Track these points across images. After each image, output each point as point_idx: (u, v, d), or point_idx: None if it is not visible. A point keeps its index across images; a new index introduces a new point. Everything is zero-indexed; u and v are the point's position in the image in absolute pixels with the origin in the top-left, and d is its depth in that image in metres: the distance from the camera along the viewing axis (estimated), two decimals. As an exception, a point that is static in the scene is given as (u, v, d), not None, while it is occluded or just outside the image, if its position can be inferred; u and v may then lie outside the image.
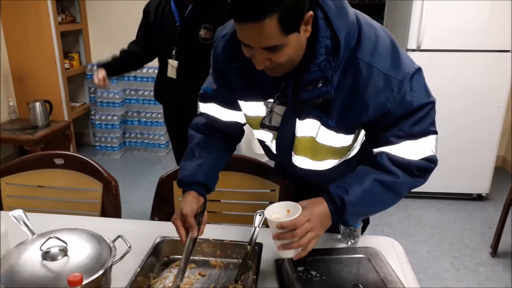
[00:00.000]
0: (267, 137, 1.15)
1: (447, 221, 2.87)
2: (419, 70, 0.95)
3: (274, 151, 1.17)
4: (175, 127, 2.31)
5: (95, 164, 1.46)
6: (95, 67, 2.24)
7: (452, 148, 2.99)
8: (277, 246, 0.94)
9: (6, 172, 1.48)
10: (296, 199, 1.00)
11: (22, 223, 1.04)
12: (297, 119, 1.01)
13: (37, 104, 3.29)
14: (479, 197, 3.14)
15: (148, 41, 2.15)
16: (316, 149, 1.06)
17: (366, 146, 1.09)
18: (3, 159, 3.52)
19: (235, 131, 1.21)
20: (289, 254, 0.94)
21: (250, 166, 1.50)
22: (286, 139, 1.07)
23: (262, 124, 1.07)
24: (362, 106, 0.93)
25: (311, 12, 0.84)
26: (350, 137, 1.03)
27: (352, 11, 0.92)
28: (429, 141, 0.98)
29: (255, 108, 1.08)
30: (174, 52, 2.05)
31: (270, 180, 1.46)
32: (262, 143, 1.23)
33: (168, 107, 2.32)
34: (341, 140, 1.02)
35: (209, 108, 1.18)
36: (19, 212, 1.06)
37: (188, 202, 1.05)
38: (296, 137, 1.05)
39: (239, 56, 0.93)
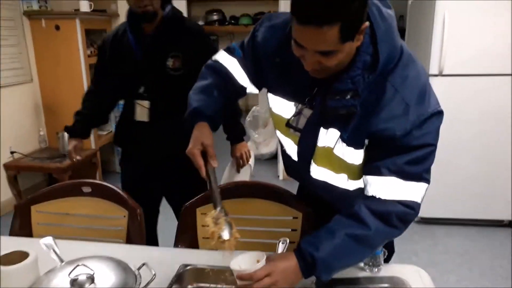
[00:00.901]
0: (289, 142, 1.16)
1: (477, 248, 2.76)
2: (440, 113, 0.95)
3: (295, 158, 1.16)
4: (141, 182, 1.88)
5: (120, 192, 1.50)
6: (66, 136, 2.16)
7: (479, 173, 2.91)
8: None
9: (37, 200, 1.54)
10: (318, 227, 1.00)
11: (51, 250, 1.08)
12: (321, 127, 1.02)
13: (65, 133, 3.41)
14: (510, 224, 3.02)
15: (108, 83, 1.84)
16: (332, 161, 1.05)
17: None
18: (33, 187, 3.64)
19: (240, 94, 1.22)
20: None
21: (272, 193, 1.50)
22: (308, 146, 1.08)
23: (288, 123, 1.08)
24: (372, 123, 0.94)
25: (367, 23, 0.86)
26: (360, 154, 1.01)
27: (399, 39, 0.94)
28: (418, 187, 0.97)
29: (281, 105, 1.10)
30: (141, 90, 1.74)
31: (292, 207, 1.46)
32: (283, 152, 1.24)
33: (136, 157, 1.89)
34: (352, 155, 1.01)
35: (230, 62, 1.18)
36: (49, 240, 1.09)
37: (207, 134, 1.05)
38: (317, 146, 1.05)
39: (281, 52, 0.95)
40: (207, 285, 1.13)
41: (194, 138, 1.04)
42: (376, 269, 1.13)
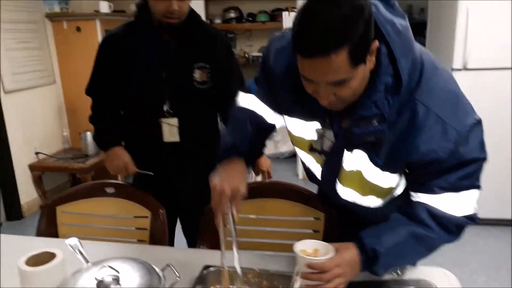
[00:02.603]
0: (311, 161, 1.14)
1: (507, 248, 2.68)
2: (479, 122, 0.90)
3: (318, 177, 1.16)
4: (173, 204, 1.66)
5: (143, 193, 1.51)
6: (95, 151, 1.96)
7: (507, 171, 2.82)
8: (303, 285, 0.92)
9: (62, 200, 1.57)
10: (341, 229, 0.99)
11: (77, 251, 1.09)
12: (345, 149, 1.00)
13: (88, 133, 3.48)
14: (540, 223, 2.93)
15: (115, 94, 1.60)
16: (362, 184, 1.03)
17: (407, 187, 1.05)
18: (57, 187, 3.73)
19: (270, 129, 1.22)
20: None
21: (293, 193, 1.49)
22: (332, 168, 1.06)
23: (312, 148, 1.06)
24: (412, 148, 0.90)
25: (377, 42, 0.82)
26: (396, 178, 0.99)
27: (417, 47, 0.90)
28: (471, 195, 0.94)
29: (300, 127, 1.07)
30: (167, 107, 1.53)
31: (314, 207, 1.45)
32: (303, 164, 1.22)
33: (161, 178, 1.64)
34: (387, 179, 0.99)
35: (251, 100, 1.18)
36: (74, 241, 1.11)
37: (241, 173, 1.03)
38: (343, 169, 1.03)
39: (292, 74, 0.93)
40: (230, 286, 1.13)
41: (225, 179, 1.00)
42: (401, 271, 1.10)
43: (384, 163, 0.95)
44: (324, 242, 0.96)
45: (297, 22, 0.80)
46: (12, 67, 3.18)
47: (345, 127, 0.96)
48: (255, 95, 1.18)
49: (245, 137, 1.12)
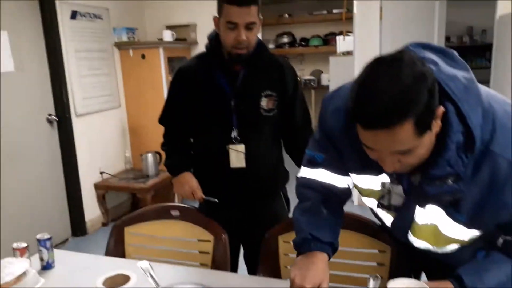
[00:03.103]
0: (380, 211, 1.10)
1: None
2: None
3: (387, 224, 1.11)
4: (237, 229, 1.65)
5: (207, 217, 1.55)
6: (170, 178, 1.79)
7: None
8: None
9: (130, 222, 1.64)
10: (409, 264, 0.95)
11: (148, 274, 1.13)
12: (416, 205, 0.96)
13: (149, 155, 3.64)
14: None
15: (187, 123, 1.66)
16: (439, 238, 0.99)
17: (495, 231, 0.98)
18: (118, 205, 3.91)
19: (346, 196, 1.18)
20: None
21: (357, 223, 1.45)
22: (403, 221, 1.02)
23: (380, 204, 1.03)
24: (501, 205, 0.85)
25: (442, 108, 0.80)
26: (479, 232, 0.95)
27: (484, 96, 0.86)
28: None
29: (367, 181, 1.04)
30: (234, 134, 1.57)
31: (380, 239, 1.40)
32: (372, 210, 1.18)
33: (226, 204, 1.64)
34: (471, 233, 0.94)
35: (318, 174, 1.14)
36: (146, 264, 1.15)
37: (323, 270, 1.01)
38: (415, 223, 0.99)
39: (350, 133, 0.90)
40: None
41: (305, 276, 0.99)
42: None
43: (469, 221, 0.91)
44: (418, 281, 0.93)
45: (356, 93, 0.78)
46: (84, 92, 3.43)
47: (416, 184, 0.93)
48: (321, 167, 1.12)
49: (323, 224, 1.09)
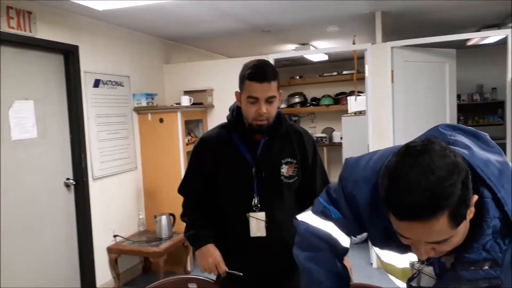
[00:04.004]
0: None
1: None
2: None
3: None
4: None
5: (226, 291, 1.49)
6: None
7: None
8: None
9: (146, 295, 1.58)
10: None
11: None
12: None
13: (163, 217, 3.61)
14: None
15: (212, 196, 1.66)
16: None
17: None
18: (130, 269, 3.81)
19: (343, 254, 1.15)
20: None
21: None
22: None
23: (410, 286, 0.98)
24: None
25: (476, 197, 0.79)
26: None
27: None
28: None
29: (391, 257, 1.01)
30: (255, 201, 1.59)
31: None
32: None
33: (251, 278, 1.61)
34: None
35: (328, 227, 1.12)
36: None
37: None
38: None
39: (375, 209, 0.89)
40: None
41: None
42: None
43: None
44: None
45: (389, 184, 0.78)
46: (102, 156, 3.50)
47: (448, 267, 0.89)
48: (333, 222, 1.11)
49: (339, 278, 1.08)
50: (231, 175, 1.62)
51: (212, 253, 1.61)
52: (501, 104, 6.42)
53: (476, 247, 0.81)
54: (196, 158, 1.70)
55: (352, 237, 1.15)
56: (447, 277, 0.90)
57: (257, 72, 1.51)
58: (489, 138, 0.88)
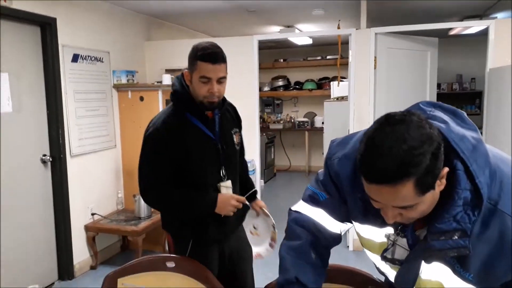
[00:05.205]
0: (383, 265, 1.09)
1: None
2: None
3: (391, 280, 1.09)
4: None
5: (203, 269, 1.50)
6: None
7: None
8: None
9: (124, 272, 1.58)
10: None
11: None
12: (422, 260, 0.95)
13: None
14: None
15: (182, 176, 1.71)
16: None
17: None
18: (107, 248, 3.80)
19: (334, 243, 1.19)
20: None
21: (357, 278, 1.42)
22: (408, 277, 1.00)
23: (384, 256, 1.02)
24: (509, 265, 0.85)
25: (447, 169, 0.82)
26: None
27: (492, 157, 0.88)
28: None
29: (370, 232, 1.05)
30: (223, 172, 1.75)
31: (382, 296, 1.36)
32: (375, 264, 1.16)
33: (212, 240, 1.79)
34: None
35: (316, 214, 1.16)
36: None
37: None
38: (420, 278, 0.98)
39: (357, 185, 0.92)
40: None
41: None
42: None
43: (477, 279, 0.89)
44: None
45: (364, 149, 0.82)
46: (80, 133, 3.43)
47: (421, 237, 0.93)
48: (321, 207, 1.15)
49: (310, 269, 1.10)
50: (200, 154, 1.71)
51: (226, 196, 1.73)
52: (479, 94, 6.57)
53: (447, 217, 0.84)
54: (160, 147, 1.67)
55: (347, 223, 1.17)
56: (419, 247, 0.94)
57: (210, 54, 1.62)
58: (466, 116, 0.92)
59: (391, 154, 0.77)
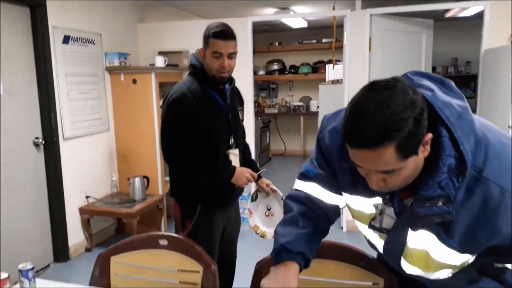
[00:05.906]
0: (372, 235, 1.10)
1: None
2: None
3: (380, 251, 1.11)
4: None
5: (196, 247, 1.51)
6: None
7: None
8: None
9: (116, 251, 1.59)
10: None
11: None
12: (409, 228, 0.96)
13: (137, 179, 3.59)
14: None
15: (203, 141, 1.88)
16: (430, 263, 0.98)
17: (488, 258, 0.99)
18: (102, 230, 3.81)
19: (333, 214, 1.20)
20: None
21: (349, 255, 1.43)
22: (395, 246, 1.02)
23: (371, 225, 1.04)
24: (493, 231, 0.86)
25: (430, 135, 0.83)
26: (473, 257, 0.95)
27: (478, 125, 0.88)
28: None
29: (360, 203, 1.06)
30: (232, 140, 1.96)
31: (372, 272, 1.38)
32: (365, 237, 1.18)
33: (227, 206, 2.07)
34: (463, 258, 0.94)
35: (309, 188, 1.18)
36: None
37: (292, 278, 1.04)
38: (407, 247, 0.99)
39: (345, 155, 0.93)
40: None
41: (277, 281, 1.04)
42: None
43: (460, 246, 0.91)
44: None
45: (347, 114, 0.83)
46: (73, 115, 3.40)
47: (408, 206, 0.94)
48: (313, 181, 1.17)
49: (296, 235, 1.11)
50: (217, 122, 1.90)
51: (242, 169, 1.94)
52: (474, 78, 6.56)
53: (431, 184, 0.85)
54: (187, 109, 1.82)
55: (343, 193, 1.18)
56: (405, 215, 0.95)
57: (222, 31, 1.81)
58: (454, 85, 0.92)
59: (374, 119, 0.78)
